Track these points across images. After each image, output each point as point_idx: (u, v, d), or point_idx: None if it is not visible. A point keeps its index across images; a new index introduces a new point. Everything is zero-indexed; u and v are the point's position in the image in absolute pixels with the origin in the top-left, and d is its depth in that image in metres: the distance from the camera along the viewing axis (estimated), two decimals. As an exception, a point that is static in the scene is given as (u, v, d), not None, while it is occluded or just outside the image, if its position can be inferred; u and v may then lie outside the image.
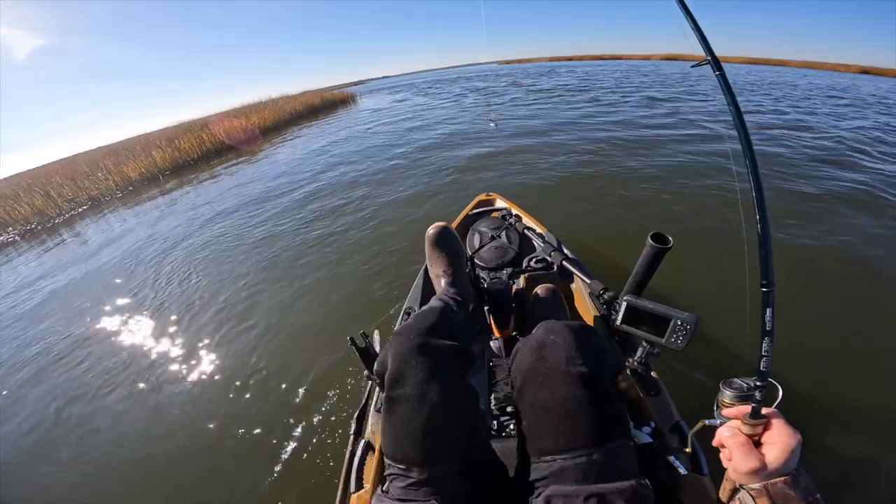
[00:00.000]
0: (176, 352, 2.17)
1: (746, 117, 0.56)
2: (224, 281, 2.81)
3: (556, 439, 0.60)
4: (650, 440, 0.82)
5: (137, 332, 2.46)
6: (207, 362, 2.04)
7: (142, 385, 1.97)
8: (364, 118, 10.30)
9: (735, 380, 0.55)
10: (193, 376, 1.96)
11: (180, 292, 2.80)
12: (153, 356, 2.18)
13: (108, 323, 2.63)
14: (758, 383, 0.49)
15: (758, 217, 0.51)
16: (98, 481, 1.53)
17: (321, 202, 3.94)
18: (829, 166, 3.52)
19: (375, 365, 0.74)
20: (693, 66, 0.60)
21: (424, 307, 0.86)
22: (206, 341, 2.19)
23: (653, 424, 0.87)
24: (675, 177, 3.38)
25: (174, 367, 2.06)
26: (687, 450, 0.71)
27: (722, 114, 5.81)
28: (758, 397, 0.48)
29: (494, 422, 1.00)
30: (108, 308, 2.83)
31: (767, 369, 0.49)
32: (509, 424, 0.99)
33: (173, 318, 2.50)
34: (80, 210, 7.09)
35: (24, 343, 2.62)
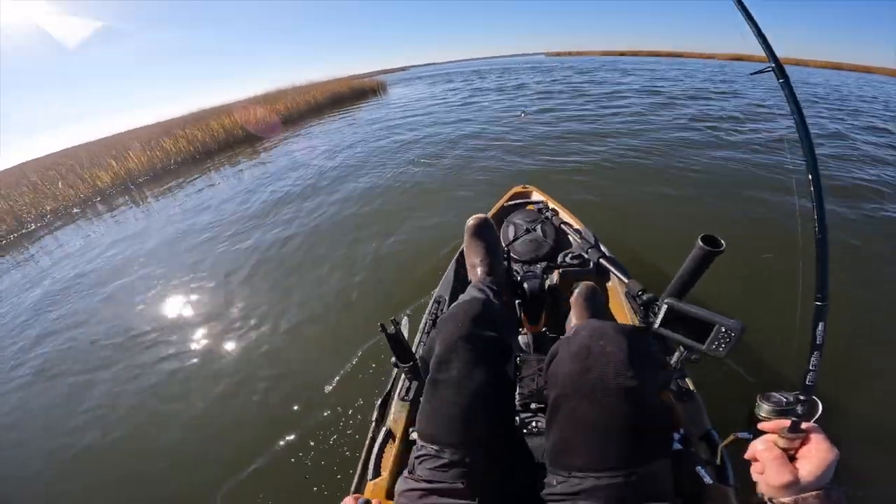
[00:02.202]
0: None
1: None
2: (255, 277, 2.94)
3: (591, 458, 0.57)
4: (679, 447, 0.81)
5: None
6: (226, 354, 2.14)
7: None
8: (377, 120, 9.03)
9: (773, 394, 0.54)
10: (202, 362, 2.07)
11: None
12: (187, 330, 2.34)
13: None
14: (801, 397, 0.49)
15: (817, 230, 0.51)
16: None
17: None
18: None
19: (422, 350, 0.80)
20: (752, 74, 0.56)
21: (465, 296, 0.91)
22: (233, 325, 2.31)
23: (682, 431, 0.86)
24: (730, 183, 3.30)
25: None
26: (717, 462, 0.71)
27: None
28: (799, 411, 0.48)
29: (517, 418, 0.99)
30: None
31: (813, 383, 0.49)
32: (531, 421, 0.97)
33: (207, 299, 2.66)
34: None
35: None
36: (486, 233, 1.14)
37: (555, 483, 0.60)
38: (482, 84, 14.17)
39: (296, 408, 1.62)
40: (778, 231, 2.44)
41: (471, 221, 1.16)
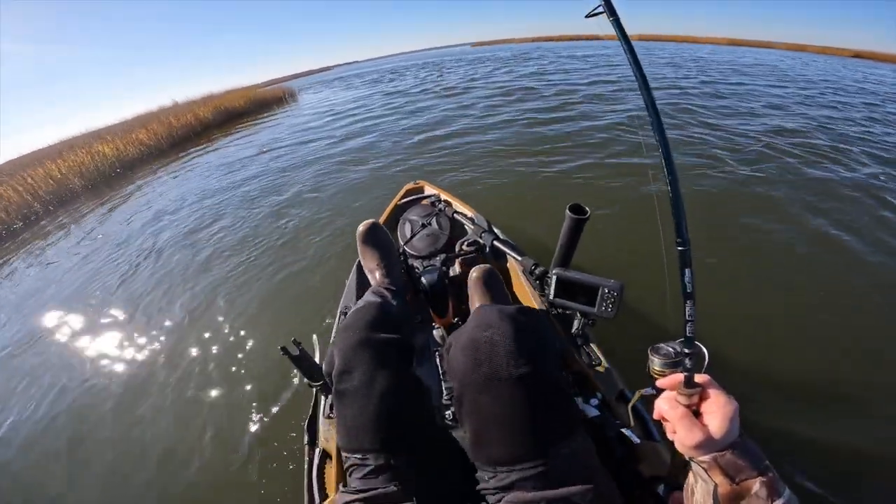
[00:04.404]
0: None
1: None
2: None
3: (504, 449, 0.59)
4: (598, 413, 0.85)
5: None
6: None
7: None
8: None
9: (662, 345, 0.54)
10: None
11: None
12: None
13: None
14: (685, 350, 0.48)
15: (666, 172, 0.51)
16: None
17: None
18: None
19: (324, 364, 0.78)
20: (587, 16, 0.59)
21: (361, 302, 0.91)
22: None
23: (599, 396, 0.91)
24: (594, 149, 3.74)
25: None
26: (631, 423, 0.72)
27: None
28: (688, 364, 0.47)
29: (449, 412, 1.02)
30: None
31: (693, 334, 0.48)
32: None
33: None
34: None
35: None
36: (376, 236, 1.16)
37: (487, 479, 0.61)
38: (394, 87, 12.06)
39: (218, 451, 1.50)
40: (639, 183, 2.80)
41: (360, 228, 1.16)
